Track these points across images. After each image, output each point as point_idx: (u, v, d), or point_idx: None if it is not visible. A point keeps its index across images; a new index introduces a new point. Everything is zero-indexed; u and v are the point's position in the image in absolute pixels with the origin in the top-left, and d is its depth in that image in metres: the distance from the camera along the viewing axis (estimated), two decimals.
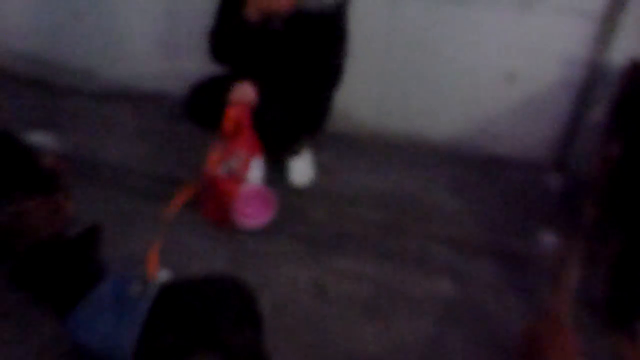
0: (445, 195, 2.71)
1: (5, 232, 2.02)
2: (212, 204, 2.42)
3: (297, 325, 2.08)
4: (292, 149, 2.67)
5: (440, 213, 2.61)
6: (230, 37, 2.40)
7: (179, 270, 2.22)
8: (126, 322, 1.59)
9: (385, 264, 2.36)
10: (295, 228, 2.49)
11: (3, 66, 3.46)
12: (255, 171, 2.46)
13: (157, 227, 2.37)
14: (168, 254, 2.29)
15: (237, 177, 2.37)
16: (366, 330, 2.08)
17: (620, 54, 2.48)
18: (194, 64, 2.81)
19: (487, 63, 2.74)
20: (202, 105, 2.48)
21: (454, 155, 2.93)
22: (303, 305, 2.16)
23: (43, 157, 2.19)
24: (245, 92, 2.32)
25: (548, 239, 2.44)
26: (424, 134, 2.99)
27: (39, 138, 2.58)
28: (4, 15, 3.43)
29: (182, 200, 2.42)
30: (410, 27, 2.76)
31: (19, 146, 2.21)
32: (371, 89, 2.94)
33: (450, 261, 2.40)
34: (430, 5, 2.69)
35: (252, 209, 2.42)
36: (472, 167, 2.87)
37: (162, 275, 2.07)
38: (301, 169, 2.72)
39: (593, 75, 2.62)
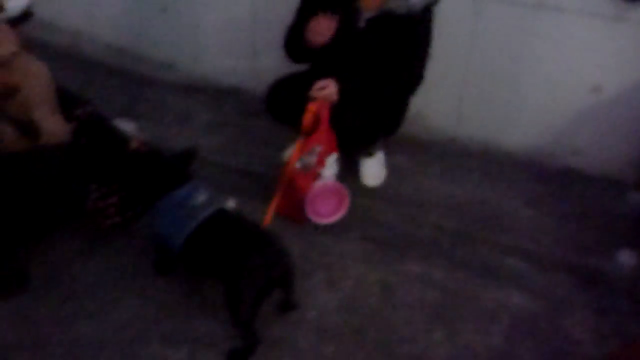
0: (520, 206, 2.64)
1: None
2: (286, 199, 2.46)
3: (364, 325, 2.09)
4: (367, 149, 2.68)
5: (514, 224, 2.55)
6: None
7: None
8: (184, 221, 1.98)
9: (455, 271, 2.33)
10: (365, 229, 2.49)
11: (93, 56, 3.63)
12: (330, 168, 2.48)
13: None
14: None
15: (312, 173, 2.40)
16: (433, 336, 2.06)
17: None
18: (274, 62, 2.86)
19: (572, 73, 2.66)
20: (282, 101, 2.52)
21: (531, 166, 2.85)
22: (370, 306, 2.16)
23: (130, 142, 2.28)
24: (326, 89, 2.33)
25: (626, 259, 2.34)
26: (501, 143, 2.93)
27: (123, 125, 2.69)
28: (96, 8, 3.61)
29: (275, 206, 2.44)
30: (494, 32, 2.71)
31: (110, 130, 2.33)
32: (450, 94, 2.90)
33: (522, 274, 2.34)
34: (516, 12, 2.63)
35: (326, 205, 2.44)
36: (549, 179, 2.79)
37: (230, 204, 2.23)
38: (373, 170, 2.72)
39: None
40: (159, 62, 3.54)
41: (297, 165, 2.39)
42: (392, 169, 2.79)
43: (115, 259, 2.29)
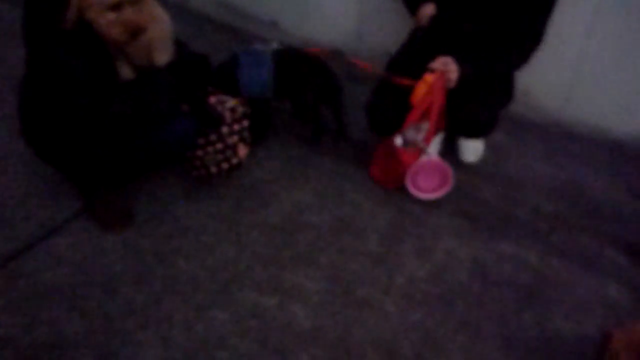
0: (623, 198, 2.52)
1: None
2: (385, 166, 2.45)
3: (452, 297, 2.08)
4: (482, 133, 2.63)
5: (616, 215, 2.44)
6: None
7: (340, 222, 2.33)
8: (262, 66, 2.49)
9: (550, 255, 2.26)
10: (460, 204, 2.46)
11: (202, 11, 3.73)
12: (434, 144, 2.45)
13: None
14: (331, 203, 2.42)
15: (418, 148, 2.36)
16: (522, 317, 2.03)
17: None
18: (378, 26, 2.82)
19: None
20: (385, 122, 2.45)
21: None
22: (460, 279, 2.15)
23: None
24: (446, 65, 2.21)
25: None
26: (611, 129, 2.78)
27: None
28: None
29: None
30: (617, 10, 2.54)
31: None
32: (562, 74, 2.77)
33: (621, 267, 2.25)
34: None
35: (427, 181, 2.41)
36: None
37: (273, 45, 2.60)
38: (473, 146, 2.66)
39: None
40: (263, 20, 3.58)
41: (406, 136, 2.35)
42: (491, 146, 2.73)
43: (216, 206, 2.38)
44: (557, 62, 2.72)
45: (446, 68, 2.19)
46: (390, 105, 2.40)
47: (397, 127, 2.33)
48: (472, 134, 2.61)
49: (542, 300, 2.10)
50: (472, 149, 2.65)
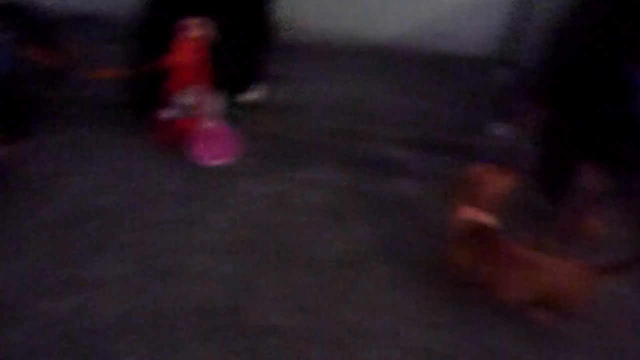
0: (397, 97, 2.69)
1: None
2: (166, 134, 2.35)
3: (258, 237, 2.08)
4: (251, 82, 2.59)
5: (394, 115, 2.60)
6: None
7: (132, 196, 2.20)
8: None
9: (345, 170, 2.36)
10: (251, 144, 2.45)
11: None
12: (212, 105, 2.39)
13: None
14: (118, 180, 2.27)
15: (194, 114, 2.28)
16: (328, 236, 2.10)
17: None
18: None
19: None
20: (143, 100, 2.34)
21: (403, 56, 2.89)
22: (263, 218, 2.16)
23: None
24: (200, 28, 2.17)
25: (497, 131, 2.46)
26: (370, 36, 2.92)
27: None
28: None
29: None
30: None
31: None
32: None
33: (408, 161, 2.42)
34: None
35: (212, 147, 2.35)
36: (421, 67, 2.84)
37: None
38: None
39: None
40: None
41: (177, 105, 2.25)
42: (273, 79, 2.72)
43: None
44: None
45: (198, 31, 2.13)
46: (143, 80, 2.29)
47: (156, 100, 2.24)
48: (233, 82, 2.54)
49: (347, 214, 2.18)
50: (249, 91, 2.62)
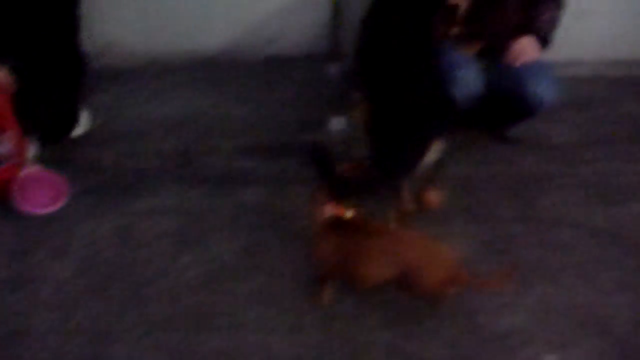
0: (233, 107, 2.65)
1: None
2: None
3: (107, 280, 1.95)
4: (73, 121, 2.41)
5: (232, 126, 2.56)
6: None
7: None
8: None
9: (190, 190, 2.28)
10: (82, 182, 2.28)
11: None
12: (27, 151, 2.21)
13: None
14: None
15: (9, 163, 2.10)
16: (182, 261, 2.02)
17: None
18: None
19: None
20: None
21: (235, 65, 2.86)
22: (109, 259, 2.02)
23: None
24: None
25: (336, 125, 2.52)
26: (200, 49, 2.86)
27: None
28: None
29: None
30: None
31: None
32: (133, 14, 2.70)
33: (254, 170, 2.39)
34: None
35: (38, 195, 2.16)
36: (254, 74, 2.83)
37: None
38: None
39: None
40: None
41: None
42: (96, 109, 2.57)
43: None
44: (126, 2, 2.64)
45: None
46: None
47: None
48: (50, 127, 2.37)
49: (198, 235, 2.11)
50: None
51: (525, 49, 2.16)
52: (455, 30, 2.15)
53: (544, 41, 2.21)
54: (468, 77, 2.12)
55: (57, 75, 2.21)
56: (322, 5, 2.78)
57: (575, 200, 2.34)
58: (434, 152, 1.84)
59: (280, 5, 2.78)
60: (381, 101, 2.01)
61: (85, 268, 1.98)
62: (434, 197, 2.07)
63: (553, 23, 2.24)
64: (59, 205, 2.19)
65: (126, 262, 2.01)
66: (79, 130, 2.45)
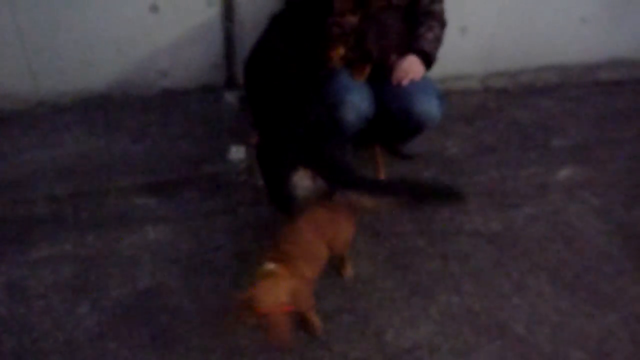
0: (128, 144, 2.57)
1: None
2: None
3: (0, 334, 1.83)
4: None
5: (128, 163, 2.48)
6: None
7: None
8: None
9: (85, 235, 2.18)
10: None
11: None
12: None
13: None
14: None
15: None
16: (80, 310, 1.92)
17: None
18: None
19: None
20: None
21: (127, 102, 2.78)
22: (1, 312, 1.90)
23: None
24: None
25: (236, 155, 2.51)
26: (89, 87, 2.76)
27: None
28: None
29: None
30: None
31: None
32: (13, 54, 2.58)
33: (152, 208, 2.33)
34: None
35: None
36: (149, 108, 2.76)
37: None
38: None
39: None
40: None
41: None
42: None
43: None
44: (7, 45, 2.54)
45: None
46: None
47: None
48: None
49: (95, 281, 2.02)
50: None
51: (410, 67, 2.24)
52: (341, 52, 2.20)
53: (429, 59, 2.30)
54: (358, 100, 2.17)
55: None
56: (215, 35, 2.77)
57: (472, 209, 2.44)
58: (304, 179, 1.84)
59: (172, 38, 2.74)
60: (268, 129, 2.02)
61: None
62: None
63: (437, 42, 2.34)
64: None
65: (18, 318, 1.89)
66: None
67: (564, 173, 2.69)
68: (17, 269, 2.05)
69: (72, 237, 2.18)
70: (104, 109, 2.74)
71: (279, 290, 1.55)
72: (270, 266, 1.63)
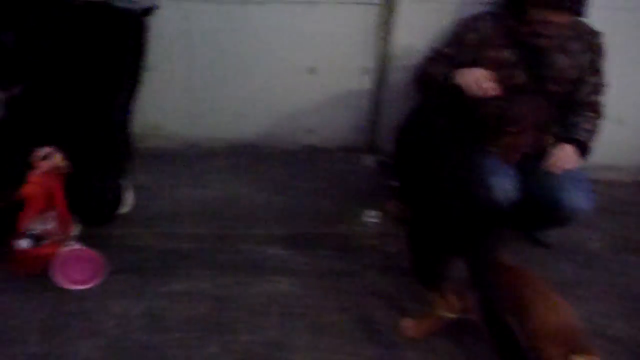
0: (269, 195, 2.70)
1: None
2: (25, 263, 2.19)
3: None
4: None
5: (268, 213, 2.60)
6: None
7: None
8: None
9: (221, 276, 2.30)
10: (120, 260, 2.32)
11: None
12: (70, 229, 2.26)
13: None
14: None
15: (52, 240, 2.17)
16: (209, 350, 2.00)
17: (402, 36, 2.67)
18: None
19: (288, 58, 2.79)
20: None
21: (273, 153, 2.95)
22: (138, 340, 2.01)
23: None
24: (50, 158, 2.13)
25: (371, 218, 2.54)
26: (240, 136, 2.97)
27: None
28: None
29: None
30: (207, 32, 2.71)
31: None
32: (179, 99, 2.85)
33: (285, 259, 2.41)
34: (222, 8, 2.67)
35: (75, 272, 2.20)
36: (291, 162, 2.91)
37: None
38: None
39: (385, 60, 2.78)
40: None
41: (23, 242, 2.13)
42: (138, 188, 2.65)
43: None
44: (171, 88, 2.82)
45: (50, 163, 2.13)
46: None
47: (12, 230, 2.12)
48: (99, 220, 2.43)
49: (226, 323, 2.10)
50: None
51: (566, 156, 2.19)
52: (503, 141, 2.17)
53: (584, 150, 2.23)
54: (504, 184, 2.14)
55: (107, 158, 2.31)
56: (364, 101, 2.88)
57: (612, 314, 2.28)
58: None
59: (321, 99, 2.89)
60: (421, 207, 2.02)
61: (113, 348, 1.98)
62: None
63: (594, 133, 2.27)
64: (96, 282, 2.22)
65: (154, 345, 2.00)
66: (122, 210, 2.52)
67: None
68: (158, 299, 2.19)
69: (209, 276, 2.30)
70: (250, 158, 2.91)
71: None
72: None
